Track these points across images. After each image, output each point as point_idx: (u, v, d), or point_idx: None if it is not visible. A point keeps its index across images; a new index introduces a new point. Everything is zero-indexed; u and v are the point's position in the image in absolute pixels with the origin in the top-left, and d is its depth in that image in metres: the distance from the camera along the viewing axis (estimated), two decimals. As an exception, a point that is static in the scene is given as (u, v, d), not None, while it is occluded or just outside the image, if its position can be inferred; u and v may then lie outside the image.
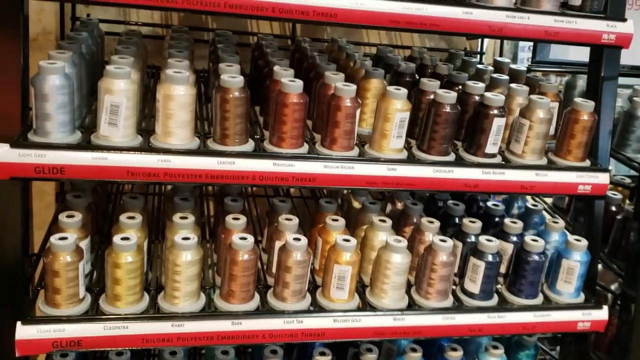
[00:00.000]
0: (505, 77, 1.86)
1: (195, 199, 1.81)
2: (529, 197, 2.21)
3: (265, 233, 1.83)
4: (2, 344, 1.42)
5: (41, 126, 1.39)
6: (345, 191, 2.13)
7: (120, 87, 1.39)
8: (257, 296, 1.60)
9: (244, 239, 1.53)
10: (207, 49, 2.18)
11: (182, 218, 1.61)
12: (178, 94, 1.43)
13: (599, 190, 1.72)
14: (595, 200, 1.82)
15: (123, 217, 1.57)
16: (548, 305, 1.76)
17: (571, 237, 1.77)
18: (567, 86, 2.28)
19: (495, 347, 1.89)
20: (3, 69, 1.36)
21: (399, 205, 2.00)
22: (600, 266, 2.19)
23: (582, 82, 2.24)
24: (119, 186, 2.18)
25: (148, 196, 2.10)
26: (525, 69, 2.04)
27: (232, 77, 1.48)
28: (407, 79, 1.87)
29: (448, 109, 1.59)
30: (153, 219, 1.97)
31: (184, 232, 1.55)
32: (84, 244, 1.52)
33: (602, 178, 1.71)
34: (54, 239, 1.42)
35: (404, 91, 1.57)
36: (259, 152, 1.52)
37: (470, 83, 1.72)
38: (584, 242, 1.75)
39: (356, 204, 1.98)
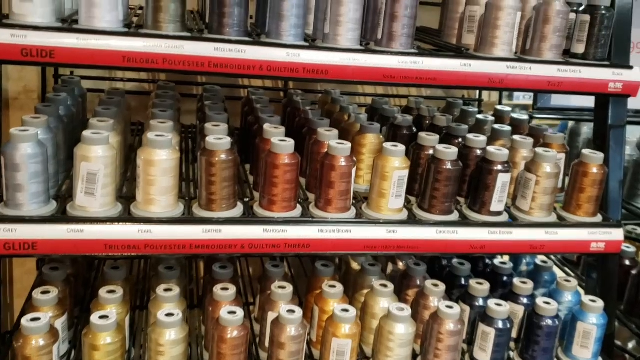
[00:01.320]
0: (507, 128, 1.77)
1: (182, 266, 1.69)
2: (536, 251, 2.09)
3: (258, 301, 1.71)
4: None
5: (12, 198, 1.29)
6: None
7: (97, 154, 1.30)
8: (248, 372, 1.48)
9: (233, 312, 1.41)
10: (196, 103, 2.10)
11: (166, 290, 1.49)
12: (160, 159, 1.33)
13: (613, 247, 1.61)
14: (608, 257, 1.71)
15: (103, 292, 1.45)
16: (565, 374, 1.63)
17: (586, 298, 1.65)
18: (571, 133, 2.20)
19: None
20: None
21: (401, 266, 1.89)
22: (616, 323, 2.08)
23: (586, 128, 2.16)
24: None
25: (134, 260, 1.99)
26: (527, 117, 1.96)
27: (218, 138, 1.39)
28: (405, 132, 1.78)
29: (449, 166, 1.49)
30: (138, 283, 1.85)
31: (168, 307, 1.43)
32: (60, 323, 1.40)
33: (616, 234, 1.61)
34: (25, 320, 1.30)
35: (401, 148, 1.48)
36: (247, 218, 1.42)
37: (471, 136, 1.63)
38: (600, 303, 1.63)
39: (355, 266, 1.87)
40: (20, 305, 1.62)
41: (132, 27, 1.38)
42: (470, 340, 1.65)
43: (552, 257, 2.07)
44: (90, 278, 1.85)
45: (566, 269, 2.19)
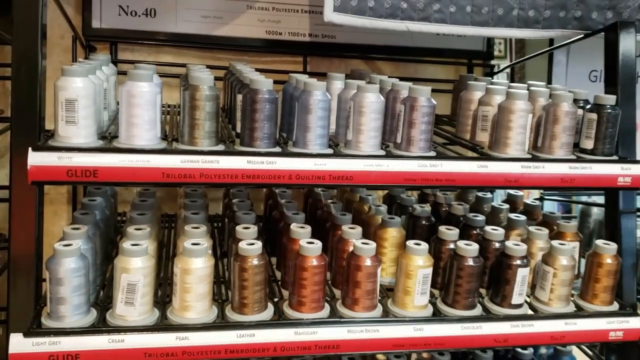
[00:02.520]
0: (523, 217, 1.83)
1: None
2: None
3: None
4: None
5: (55, 310, 1.35)
6: None
7: (137, 265, 1.36)
8: None
9: (267, 413, 1.45)
10: (220, 191, 2.18)
11: (200, 391, 1.53)
12: (196, 267, 1.40)
13: (631, 335, 1.65)
14: (627, 343, 1.75)
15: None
16: None
17: (608, 386, 1.68)
18: (582, 214, 2.26)
19: None
20: (17, 246, 1.34)
21: (425, 355, 1.92)
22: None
23: (596, 209, 2.22)
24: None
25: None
26: (540, 203, 2.03)
27: (250, 244, 1.46)
28: (424, 223, 1.85)
29: (471, 262, 1.55)
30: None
31: (203, 409, 1.46)
32: None
33: (634, 322, 1.65)
34: None
35: (424, 247, 1.55)
36: (279, 321, 1.47)
37: (489, 229, 1.70)
38: (623, 391, 1.67)
39: (381, 357, 1.90)
40: None
41: (168, 140, 1.46)
42: None
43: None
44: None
45: (584, 347, 2.21)
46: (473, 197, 2.09)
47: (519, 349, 1.89)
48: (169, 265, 1.71)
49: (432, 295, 1.64)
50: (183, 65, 2.13)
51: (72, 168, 1.31)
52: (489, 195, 2.07)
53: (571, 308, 1.65)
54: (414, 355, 1.93)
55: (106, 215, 1.69)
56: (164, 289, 1.57)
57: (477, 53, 2.43)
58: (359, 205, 1.97)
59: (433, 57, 2.40)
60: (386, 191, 2.20)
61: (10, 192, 1.34)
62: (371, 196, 1.99)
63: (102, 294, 1.52)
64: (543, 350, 2.02)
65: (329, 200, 1.90)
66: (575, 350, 1.99)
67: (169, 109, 1.90)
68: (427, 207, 1.90)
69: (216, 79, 1.48)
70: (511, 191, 2.14)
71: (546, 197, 2.28)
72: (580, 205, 2.30)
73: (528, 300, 1.67)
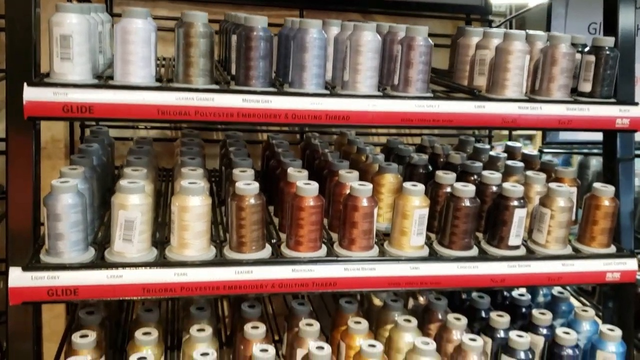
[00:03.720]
0: (520, 164, 1.83)
1: (211, 305, 1.74)
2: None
3: (285, 339, 1.75)
4: None
5: (54, 246, 1.35)
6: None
7: (134, 202, 1.37)
8: (280, 410, 1.52)
9: (265, 350, 1.46)
10: (217, 148, 2.18)
11: (199, 330, 1.54)
12: (194, 205, 1.40)
13: (628, 277, 1.66)
14: (625, 287, 1.76)
15: (138, 334, 1.51)
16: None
17: (604, 327, 1.69)
18: (580, 166, 2.26)
19: None
20: (15, 187, 1.34)
21: (422, 300, 1.94)
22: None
23: (595, 161, 2.22)
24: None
25: (162, 302, 2.04)
26: (538, 153, 2.03)
27: (247, 184, 1.46)
28: (421, 171, 1.85)
29: (467, 203, 1.56)
30: (168, 324, 1.90)
31: (202, 347, 1.48)
32: (99, 365, 1.45)
33: (630, 264, 1.66)
34: (67, 364, 1.36)
35: (421, 187, 1.55)
36: (276, 259, 1.48)
37: (486, 173, 1.70)
38: (618, 332, 1.67)
39: (377, 302, 1.91)
40: (49, 349, 1.66)
41: (163, 81, 1.46)
42: (492, 373, 1.69)
43: (568, 287, 2.11)
44: (121, 320, 1.90)
45: (582, 299, 2.23)
46: (471, 148, 2.09)
47: (516, 296, 1.90)
48: (166, 212, 1.71)
49: (428, 238, 1.65)
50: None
51: (68, 104, 1.31)
52: (487, 146, 2.07)
53: (568, 250, 1.65)
54: (411, 302, 1.94)
55: (103, 161, 1.70)
56: (161, 233, 1.58)
57: (475, 8, 2.42)
58: (357, 156, 1.97)
59: (431, 11, 2.38)
60: (384, 143, 2.20)
61: (6, 131, 1.34)
62: (369, 147, 1.99)
63: (100, 236, 1.53)
64: (541, 299, 2.03)
65: (326, 150, 1.90)
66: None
67: (164, 61, 1.90)
68: (424, 156, 1.90)
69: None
70: (509, 143, 2.14)
71: (544, 149, 2.28)
72: (579, 159, 2.30)
73: (525, 244, 1.67)
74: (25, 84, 1.29)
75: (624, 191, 1.75)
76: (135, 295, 1.36)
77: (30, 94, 1.29)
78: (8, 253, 1.33)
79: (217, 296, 1.46)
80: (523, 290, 1.96)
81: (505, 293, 1.97)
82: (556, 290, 1.96)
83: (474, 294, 1.88)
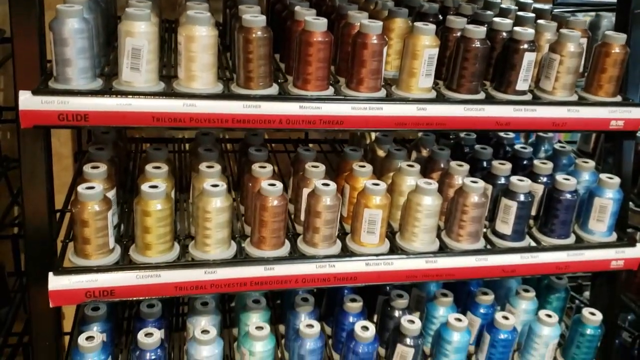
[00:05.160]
0: (531, 14, 1.80)
1: (218, 149, 1.77)
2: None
3: (291, 183, 1.80)
4: (35, 298, 1.41)
5: (62, 73, 1.35)
6: (368, 140, 2.09)
7: (141, 29, 1.34)
8: (287, 243, 1.58)
9: (273, 185, 1.50)
10: (220, 3, 2.12)
11: (208, 167, 1.57)
12: (200, 34, 1.38)
13: (632, 125, 1.67)
14: (624, 141, 1.78)
15: (149, 167, 1.54)
16: (581, 244, 1.73)
17: (603, 175, 1.73)
18: (591, 26, 2.21)
19: (527, 291, 1.87)
20: (18, 16, 1.31)
21: (425, 153, 1.97)
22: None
23: (606, 21, 2.18)
24: (137, 145, 2.15)
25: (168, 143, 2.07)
26: (550, 7, 1.98)
27: (254, 16, 1.43)
28: (431, 20, 1.81)
29: (478, 44, 1.54)
30: (175, 169, 1.94)
31: (212, 180, 1.51)
32: (111, 195, 1.49)
33: (635, 113, 1.67)
34: (81, 188, 1.39)
35: (432, 27, 1.52)
36: (284, 95, 1.48)
37: (497, 20, 1.67)
38: (617, 180, 1.72)
39: (381, 152, 1.94)
40: (58, 200, 1.69)
41: None
42: (492, 219, 1.74)
43: (568, 146, 2.14)
44: (129, 167, 1.94)
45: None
46: (482, 3, 2.04)
47: (518, 148, 1.93)
48: (171, 57, 1.70)
49: (436, 84, 1.64)
50: None
51: None
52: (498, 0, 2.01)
53: (574, 98, 1.65)
54: (414, 154, 1.97)
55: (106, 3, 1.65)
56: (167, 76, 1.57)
57: None
58: (366, 5, 1.92)
59: None
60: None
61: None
62: (378, -4, 1.94)
63: (107, 70, 1.52)
64: (542, 155, 2.06)
65: (334, -3, 1.85)
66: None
67: None
68: (435, 5, 1.86)
69: None
70: (521, -2, 2.08)
71: (556, 8, 2.22)
72: (589, 20, 2.25)
73: (532, 91, 1.67)
74: None
75: (635, 43, 1.73)
76: (145, 123, 1.37)
77: None
78: (16, 78, 1.32)
79: (226, 129, 1.47)
80: (525, 144, 1.98)
81: (507, 147, 2.00)
82: (558, 145, 1.99)
83: (477, 146, 1.90)
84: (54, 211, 1.52)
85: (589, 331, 1.78)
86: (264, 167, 1.62)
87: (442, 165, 1.82)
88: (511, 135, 2.05)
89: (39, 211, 1.39)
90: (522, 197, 1.64)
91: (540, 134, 2.08)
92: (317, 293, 1.96)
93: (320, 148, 2.32)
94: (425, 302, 1.88)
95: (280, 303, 1.99)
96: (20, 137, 1.34)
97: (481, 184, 1.61)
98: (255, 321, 1.62)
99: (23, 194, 1.38)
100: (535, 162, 1.79)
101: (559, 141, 2.02)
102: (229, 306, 2.00)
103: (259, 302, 1.72)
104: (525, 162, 1.89)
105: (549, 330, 1.75)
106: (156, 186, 1.43)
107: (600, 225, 1.74)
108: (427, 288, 1.91)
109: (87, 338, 1.48)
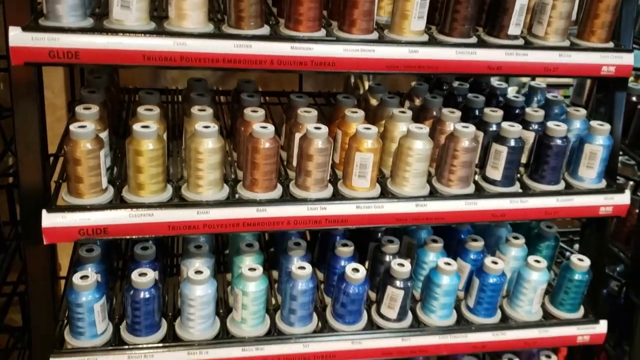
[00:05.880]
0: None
1: (212, 96, 1.77)
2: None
3: (284, 130, 1.80)
4: (29, 236, 1.43)
5: (52, 10, 1.34)
6: (361, 91, 2.09)
7: (131, -34, 1.34)
8: (279, 187, 1.59)
9: (265, 127, 1.51)
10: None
11: (200, 110, 1.58)
12: (191, -27, 1.37)
13: (623, 71, 1.67)
14: (617, 92, 1.79)
15: (141, 109, 1.55)
16: (570, 190, 1.75)
17: (594, 122, 1.74)
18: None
19: (516, 238, 1.89)
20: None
21: (418, 102, 1.97)
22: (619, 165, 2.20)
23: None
24: (130, 96, 2.15)
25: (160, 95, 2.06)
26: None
27: (245, -45, 1.42)
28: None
29: (470, -13, 1.53)
30: (169, 122, 1.94)
31: (204, 123, 1.52)
32: (103, 136, 1.50)
33: (627, 59, 1.67)
34: (73, 127, 1.40)
35: (423, -32, 1.51)
36: (274, 35, 1.48)
37: (490, -37, 1.66)
38: (607, 126, 1.73)
39: (374, 101, 1.95)
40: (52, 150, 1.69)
41: None
42: (483, 166, 1.75)
43: (561, 96, 2.15)
44: (122, 115, 1.94)
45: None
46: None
47: (511, 97, 1.93)
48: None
49: (428, 29, 1.64)
50: None
51: None
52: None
53: (567, 44, 1.65)
54: (407, 103, 1.97)
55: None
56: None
57: None
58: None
59: None
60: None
61: None
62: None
63: (97, 11, 1.51)
64: (534, 105, 2.07)
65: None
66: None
67: None
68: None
69: None
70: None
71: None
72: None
73: (524, 37, 1.67)
74: None
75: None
76: (135, 61, 1.37)
77: None
78: (6, 15, 1.32)
79: (217, 69, 1.47)
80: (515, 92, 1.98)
81: (500, 97, 2.01)
82: (550, 95, 1.99)
83: (470, 95, 1.91)
84: (48, 155, 1.53)
85: (577, 277, 1.81)
86: (256, 111, 1.63)
87: (434, 113, 1.83)
88: (504, 85, 2.05)
89: (33, 155, 1.40)
90: (512, 142, 1.65)
91: (533, 84, 2.08)
92: (310, 242, 1.99)
93: (314, 101, 2.33)
94: (415, 249, 1.90)
95: (274, 251, 2.01)
96: (13, 81, 1.34)
97: (472, 128, 1.62)
98: (249, 263, 1.64)
99: (16, 137, 1.39)
100: (527, 110, 1.80)
101: (555, 96, 2.02)
102: (223, 253, 2.02)
103: (252, 245, 1.74)
104: (517, 112, 1.90)
105: (537, 275, 1.78)
106: (148, 126, 1.44)
107: (590, 171, 1.75)
108: (418, 235, 1.93)
109: (82, 277, 1.50)
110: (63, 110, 2.28)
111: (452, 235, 1.95)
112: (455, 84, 2.05)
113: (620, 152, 1.97)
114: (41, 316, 1.52)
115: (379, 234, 1.92)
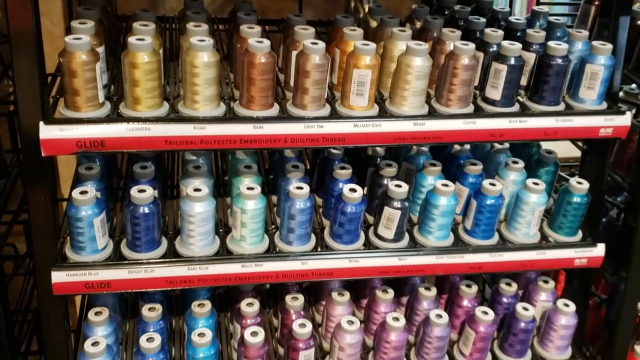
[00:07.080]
0: None
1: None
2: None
3: (281, 50, 1.79)
4: (27, 149, 1.43)
5: None
6: (362, 14, 2.06)
7: None
8: (276, 106, 1.59)
9: (261, 42, 1.50)
10: None
11: (196, 26, 1.56)
12: None
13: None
14: (620, 16, 1.75)
15: (137, 24, 1.53)
16: (570, 110, 1.73)
17: (596, 42, 1.71)
18: None
19: (515, 162, 1.89)
20: None
21: (418, 24, 1.94)
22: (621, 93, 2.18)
23: None
24: (128, 22, 2.12)
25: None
26: None
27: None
28: None
29: None
30: (166, 46, 1.92)
31: (199, 37, 1.51)
32: (100, 50, 1.49)
33: None
34: (69, 38, 1.39)
35: None
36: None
37: None
38: (609, 46, 1.70)
39: (374, 23, 1.92)
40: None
41: None
42: (483, 87, 1.74)
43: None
44: (119, 40, 1.92)
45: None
46: None
47: (512, 20, 1.90)
48: None
49: None
50: None
51: None
52: None
53: None
54: (407, 27, 1.95)
55: None
56: None
57: None
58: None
59: None
60: None
61: None
62: None
63: None
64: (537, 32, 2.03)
65: None
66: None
67: None
68: None
69: None
70: None
71: None
72: None
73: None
74: None
75: None
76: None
77: None
78: None
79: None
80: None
81: (502, 22, 1.97)
82: (552, 18, 1.96)
83: (471, 17, 1.88)
84: (45, 75, 1.52)
85: (575, 199, 1.82)
86: (253, 27, 1.61)
87: (435, 35, 1.81)
88: (506, 9, 2.01)
89: (30, 74, 1.39)
90: (512, 61, 1.63)
91: (536, 8, 2.04)
92: (309, 169, 2.00)
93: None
94: (414, 174, 1.91)
95: (273, 177, 2.02)
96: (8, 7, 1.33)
97: (472, 46, 1.60)
98: (247, 183, 1.65)
99: (13, 59, 1.38)
100: (528, 30, 1.77)
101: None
102: (223, 180, 2.03)
103: (250, 167, 1.75)
104: (518, 34, 1.87)
105: (535, 197, 1.79)
106: (143, 39, 1.43)
107: (590, 92, 1.73)
108: (417, 161, 1.93)
109: (81, 192, 1.52)
110: (62, 39, 2.25)
111: (451, 162, 1.96)
112: (457, 7, 2.01)
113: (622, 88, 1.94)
114: (43, 232, 1.54)
115: (378, 159, 1.92)
